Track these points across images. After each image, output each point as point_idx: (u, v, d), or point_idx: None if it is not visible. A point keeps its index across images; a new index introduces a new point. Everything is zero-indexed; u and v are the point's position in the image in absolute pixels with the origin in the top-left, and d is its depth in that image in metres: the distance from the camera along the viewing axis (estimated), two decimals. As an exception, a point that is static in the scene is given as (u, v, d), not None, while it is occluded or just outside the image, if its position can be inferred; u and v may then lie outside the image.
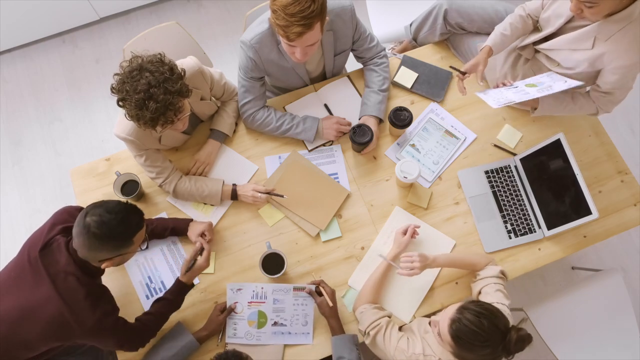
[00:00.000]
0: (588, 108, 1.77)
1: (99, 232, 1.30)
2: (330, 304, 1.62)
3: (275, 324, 1.69)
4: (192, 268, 1.61)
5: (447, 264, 1.70)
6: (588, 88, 1.79)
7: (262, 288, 1.71)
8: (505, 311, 1.47)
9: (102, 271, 1.49)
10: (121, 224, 1.33)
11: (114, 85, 1.46)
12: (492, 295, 1.54)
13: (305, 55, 1.63)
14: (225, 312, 1.68)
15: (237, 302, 1.70)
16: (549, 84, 1.68)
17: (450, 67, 1.88)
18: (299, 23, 1.47)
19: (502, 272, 1.61)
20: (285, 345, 1.69)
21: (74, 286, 1.37)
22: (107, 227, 1.30)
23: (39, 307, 1.37)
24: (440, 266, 1.71)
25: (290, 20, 1.47)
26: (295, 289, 1.70)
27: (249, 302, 1.70)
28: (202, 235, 1.75)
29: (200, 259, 1.62)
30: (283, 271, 1.68)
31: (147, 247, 1.49)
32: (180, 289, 1.63)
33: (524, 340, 1.29)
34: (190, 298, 1.71)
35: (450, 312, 1.35)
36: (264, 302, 1.70)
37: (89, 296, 1.38)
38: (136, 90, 1.40)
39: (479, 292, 1.60)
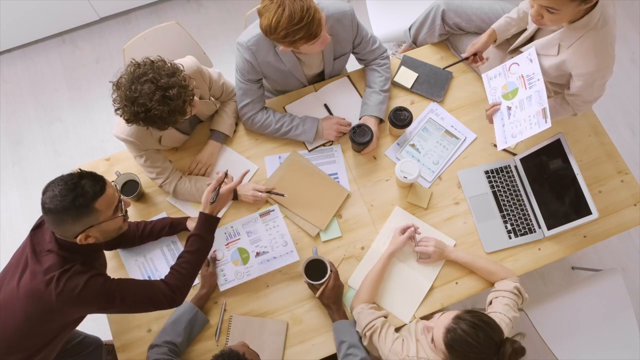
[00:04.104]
0: (563, 112, 1.78)
1: (52, 206, 1.26)
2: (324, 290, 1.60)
3: (258, 254, 1.71)
4: (216, 199, 1.51)
5: (465, 262, 1.73)
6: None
7: (232, 227, 1.75)
8: (505, 321, 1.49)
9: (89, 248, 1.39)
10: (71, 191, 1.26)
11: (113, 97, 1.49)
12: (500, 306, 1.55)
13: (325, 40, 1.63)
14: (210, 264, 1.71)
15: (215, 250, 1.72)
16: (520, 73, 1.69)
17: (446, 67, 1.91)
18: (312, 24, 1.49)
19: (518, 290, 1.61)
20: (285, 345, 1.68)
21: (54, 262, 1.33)
22: (58, 198, 1.26)
23: (24, 284, 1.35)
24: (457, 261, 1.74)
25: (304, 27, 1.49)
26: (261, 214, 1.71)
27: (226, 245, 1.73)
28: None
29: (223, 188, 1.53)
30: (325, 279, 1.62)
31: (125, 215, 1.39)
32: (207, 220, 1.51)
33: (517, 352, 1.29)
34: (189, 298, 1.69)
35: (445, 320, 1.34)
36: (240, 239, 1.72)
37: (68, 269, 1.33)
38: (135, 113, 1.45)
39: (490, 303, 1.61)
